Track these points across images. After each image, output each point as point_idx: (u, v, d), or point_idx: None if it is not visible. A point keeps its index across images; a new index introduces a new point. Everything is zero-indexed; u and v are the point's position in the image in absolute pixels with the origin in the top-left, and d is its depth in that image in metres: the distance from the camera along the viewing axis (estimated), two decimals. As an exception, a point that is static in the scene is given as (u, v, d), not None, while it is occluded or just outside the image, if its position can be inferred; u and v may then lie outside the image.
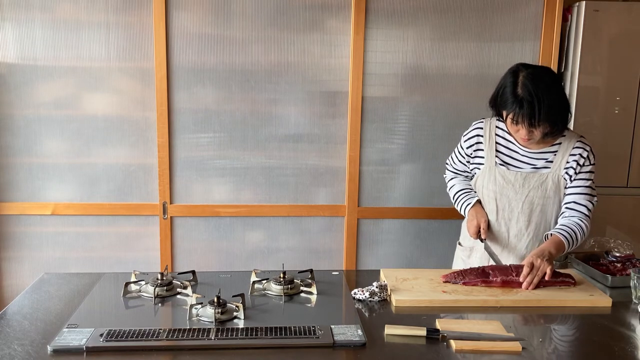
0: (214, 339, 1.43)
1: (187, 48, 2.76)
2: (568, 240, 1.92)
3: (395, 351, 1.43)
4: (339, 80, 2.84)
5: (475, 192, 2.17)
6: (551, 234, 1.95)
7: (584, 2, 2.94)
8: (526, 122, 1.87)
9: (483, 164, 2.10)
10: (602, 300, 1.75)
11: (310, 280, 1.83)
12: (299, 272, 1.87)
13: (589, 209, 2.00)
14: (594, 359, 1.44)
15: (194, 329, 1.48)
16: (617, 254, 2.09)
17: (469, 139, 2.15)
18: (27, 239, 2.89)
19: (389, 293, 1.75)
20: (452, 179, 2.28)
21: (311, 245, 2.99)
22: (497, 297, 1.74)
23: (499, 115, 2.02)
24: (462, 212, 2.18)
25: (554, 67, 2.86)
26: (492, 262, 2.04)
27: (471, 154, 2.14)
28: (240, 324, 1.53)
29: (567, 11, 3.01)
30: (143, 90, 2.79)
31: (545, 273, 1.80)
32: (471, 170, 2.18)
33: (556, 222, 2.05)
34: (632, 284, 1.77)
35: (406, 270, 1.97)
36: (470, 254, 2.20)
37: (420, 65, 2.86)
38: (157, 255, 2.93)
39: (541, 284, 1.80)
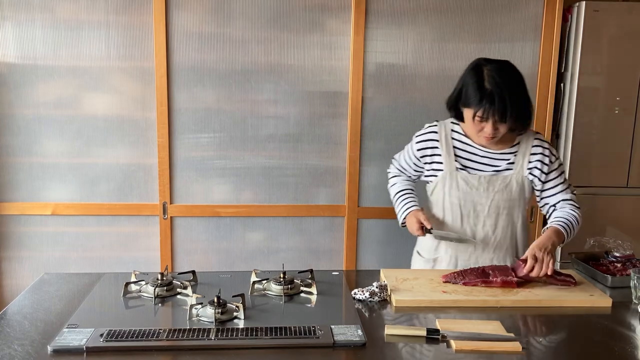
0: (214, 339, 1.43)
1: (187, 48, 2.76)
2: (566, 230, 1.93)
3: (395, 351, 1.43)
4: (339, 81, 2.84)
5: (415, 195, 2.12)
6: (548, 227, 1.95)
7: (584, 2, 2.94)
8: (497, 116, 1.83)
9: (441, 170, 2.03)
10: (602, 300, 1.75)
11: (310, 280, 1.83)
12: (299, 272, 1.87)
13: (575, 200, 2.02)
14: (594, 359, 1.44)
15: (194, 329, 1.48)
16: (617, 254, 2.09)
17: (421, 141, 2.06)
18: (27, 239, 2.89)
19: (389, 293, 1.75)
20: (394, 176, 2.23)
21: (311, 245, 2.99)
22: (497, 297, 1.74)
23: (457, 116, 1.98)
24: (400, 215, 2.10)
25: (554, 67, 2.86)
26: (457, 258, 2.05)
27: (421, 157, 2.06)
28: (240, 324, 1.53)
29: (567, 11, 3.01)
30: (143, 90, 2.79)
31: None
32: (426, 176, 2.09)
33: (523, 225, 2.06)
34: (632, 284, 1.77)
35: (406, 270, 1.98)
36: (434, 265, 2.11)
37: (421, 65, 2.86)
38: (157, 255, 2.93)
39: (542, 279, 1.81)
